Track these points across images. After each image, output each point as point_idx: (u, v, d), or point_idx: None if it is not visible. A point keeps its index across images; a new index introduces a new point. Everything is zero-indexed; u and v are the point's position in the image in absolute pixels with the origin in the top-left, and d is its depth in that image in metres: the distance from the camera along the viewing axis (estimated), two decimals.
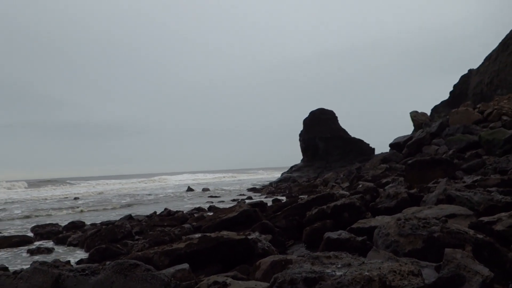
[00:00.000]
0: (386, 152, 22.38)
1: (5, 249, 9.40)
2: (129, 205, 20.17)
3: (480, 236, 3.60)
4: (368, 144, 40.17)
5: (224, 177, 64.33)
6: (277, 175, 47.28)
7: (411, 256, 3.45)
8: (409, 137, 20.17)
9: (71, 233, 10.63)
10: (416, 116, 24.84)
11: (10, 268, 7.09)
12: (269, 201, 14.95)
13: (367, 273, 2.42)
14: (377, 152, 33.94)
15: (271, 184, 33.08)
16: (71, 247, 9.47)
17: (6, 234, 11.00)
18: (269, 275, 3.60)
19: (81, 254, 8.52)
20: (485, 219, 4.19)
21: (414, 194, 7.25)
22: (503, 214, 4.17)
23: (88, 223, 12.10)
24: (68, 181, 55.97)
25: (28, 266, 6.83)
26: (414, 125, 24.70)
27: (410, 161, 11.27)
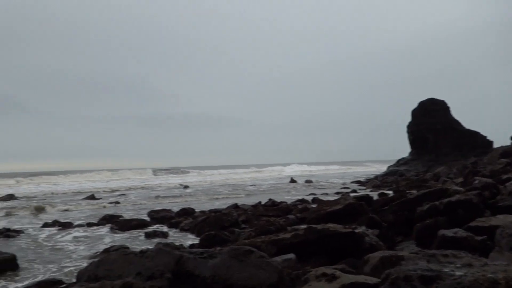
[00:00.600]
0: (508, 146, 20.46)
1: (125, 231, 10.33)
2: (234, 195, 20.92)
3: None
4: (485, 137, 37.06)
5: (328, 169, 63.82)
6: (382, 168, 45.72)
7: None
8: None
9: (182, 219, 11.32)
10: None
11: (130, 248, 7.78)
12: (374, 195, 14.51)
13: (491, 275, 2.24)
14: (496, 145, 31.21)
15: (376, 177, 32.10)
16: (183, 232, 10.09)
17: (126, 218, 12.03)
18: (379, 271, 3.49)
19: (192, 239, 9.05)
20: None
21: None
22: None
23: (197, 210, 12.76)
24: (184, 169, 59.52)
25: (146, 247, 7.43)
26: None
27: None
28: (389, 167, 39.54)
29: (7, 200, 20.21)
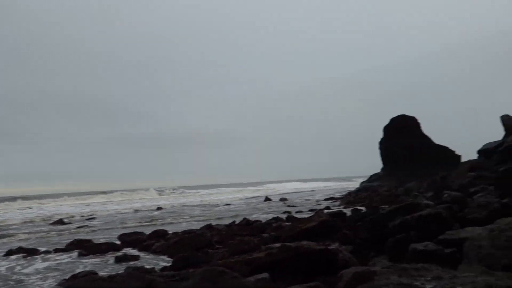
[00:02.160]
0: (474, 159, 21.02)
1: (94, 256, 10.04)
2: (208, 215, 20.70)
3: None
4: (454, 151, 37.95)
5: (299, 187, 64.13)
6: (355, 184, 46.20)
7: (507, 270, 3.19)
8: (500, 143, 18.79)
9: (154, 241, 11.10)
10: (507, 120, 23.08)
11: (100, 273, 7.56)
12: (348, 211, 14.64)
13: (460, 287, 2.27)
14: (463, 159, 32.00)
15: (349, 193, 32.37)
16: (155, 255, 9.87)
17: (95, 242, 11.71)
18: (352, 287, 3.50)
19: (164, 262, 8.86)
20: None
21: (507, 204, 6.72)
22: None
23: (170, 232, 12.53)
24: (160, 190, 58.59)
25: (115, 271, 7.23)
26: (505, 130, 22.95)
27: (502, 169, 10.50)
28: (362, 183, 39.99)
29: None
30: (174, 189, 60.12)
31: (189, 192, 56.78)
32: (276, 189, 58.25)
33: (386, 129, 41.46)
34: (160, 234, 12.10)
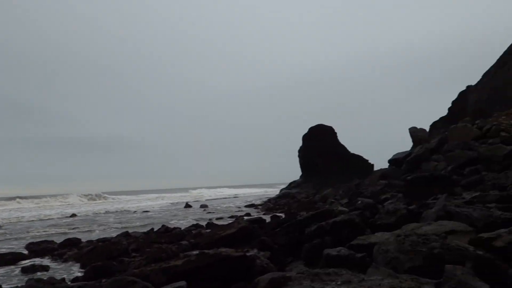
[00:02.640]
0: (385, 168, 22.31)
1: None
2: (125, 222, 20.00)
3: (480, 252, 3.57)
4: (367, 160, 40.14)
5: (222, 193, 64.37)
6: (275, 191, 47.12)
7: (411, 273, 3.41)
8: (408, 153, 20.12)
9: (66, 250, 10.53)
10: (415, 132, 24.86)
11: (4, 287, 7.00)
12: (267, 218, 14.89)
13: None
14: (376, 168, 33.92)
15: (269, 200, 32.92)
16: (67, 264, 9.34)
17: None
18: None
19: (76, 272, 8.41)
20: (485, 235, 4.15)
21: (413, 210, 7.20)
22: (502, 230, 4.13)
23: (84, 240, 11.95)
24: (71, 195, 55.25)
25: (21, 284, 6.74)
26: (413, 141, 24.70)
27: (409, 177, 11.24)
28: (281, 189, 40.92)
29: None
30: (96, 195, 57.47)
31: (111, 198, 54.80)
32: (202, 195, 58.18)
33: (305, 137, 42.89)
34: (72, 243, 11.49)
